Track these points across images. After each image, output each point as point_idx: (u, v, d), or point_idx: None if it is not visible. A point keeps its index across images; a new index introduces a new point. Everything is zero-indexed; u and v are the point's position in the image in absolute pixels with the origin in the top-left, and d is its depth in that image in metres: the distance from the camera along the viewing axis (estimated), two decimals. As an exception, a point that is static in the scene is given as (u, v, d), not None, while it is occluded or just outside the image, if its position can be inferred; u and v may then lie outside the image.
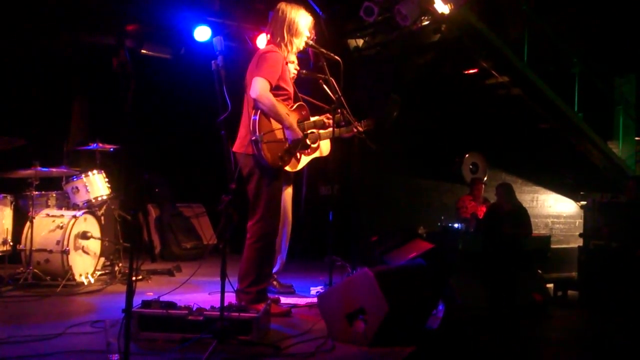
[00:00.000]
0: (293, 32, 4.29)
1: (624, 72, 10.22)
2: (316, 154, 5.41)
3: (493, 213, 7.15)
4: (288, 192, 5.32)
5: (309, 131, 4.58)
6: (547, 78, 8.36)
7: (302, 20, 4.33)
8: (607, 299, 5.82)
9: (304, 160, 5.30)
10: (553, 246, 6.85)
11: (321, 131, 5.40)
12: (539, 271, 5.90)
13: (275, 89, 4.20)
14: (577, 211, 10.08)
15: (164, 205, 8.10)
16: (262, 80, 4.07)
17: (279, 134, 4.20)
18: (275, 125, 4.18)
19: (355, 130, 5.25)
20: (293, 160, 5.20)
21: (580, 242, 7.35)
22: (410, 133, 8.91)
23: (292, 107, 4.39)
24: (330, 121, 4.69)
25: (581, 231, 7.62)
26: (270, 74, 4.11)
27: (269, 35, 4.38)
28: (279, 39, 4.30)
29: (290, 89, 4.36)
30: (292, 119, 4.31)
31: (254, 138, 4.04)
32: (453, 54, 8.09)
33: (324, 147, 5.50)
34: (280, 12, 4.31)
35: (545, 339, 4.67)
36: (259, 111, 4.07)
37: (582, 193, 7.26)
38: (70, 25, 7.20)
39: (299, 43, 4.36)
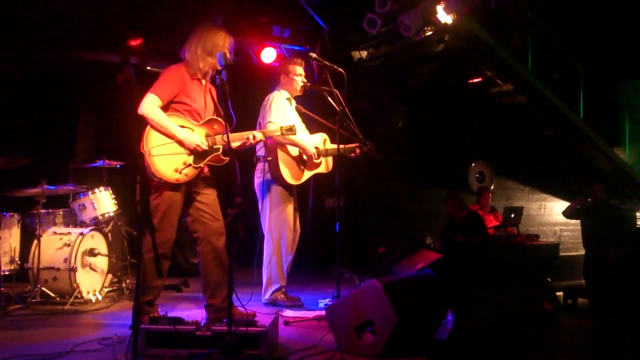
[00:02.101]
0: (207, 51, 4.27)
1: (628, 78, 10.20)
2: (319, 170, 5.42)
3: (448, 224, 7.18)
4: (291, 206, 5.32)
5: (230, 144, 4.45)
6: (552, 85, 8.35)
7: (219, 40, 4.31)
8: (615, 306, 5.78)
9: (307, 174, 5.30)
10: (562, 254, 6.82)
11: (328, 147, 5.42)
12: (549, 279, 5.86)
13: (174, 103, 4.22)
14: (585, 218, 10.02)
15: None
16: (151, 96, 4.12)
17: (176, 148, 4.15)
18: (172, 138, 4.16)
19: (358, 151, 5.25)
20: (296, 172, 5.22)
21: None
22: (416, 143, 8.90)
23: (200, 121, 4.31)
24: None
25: (590, 238, 7.58)
26: (160, 89, 4.15)
27: (186, 53, 4.37)
28: (191, 56, 4.30)
29: (197, 103, 4.30)
30: (199, 132, 4.25)
31: (141, 151, 4.04)
32: (457, 64, 8.09)
33: (326, 163, 5.51)
34: (198, 29, 4.36)
35: (555, 347, 4.63)
36: (149, 126, 4.11)
37: (589, 200, 7.23)
38: (76, 43, 7.24)
39: (213, 63, 4.28)
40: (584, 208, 7.05)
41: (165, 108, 4.19)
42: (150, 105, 4.10)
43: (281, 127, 4.78)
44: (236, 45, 7.73)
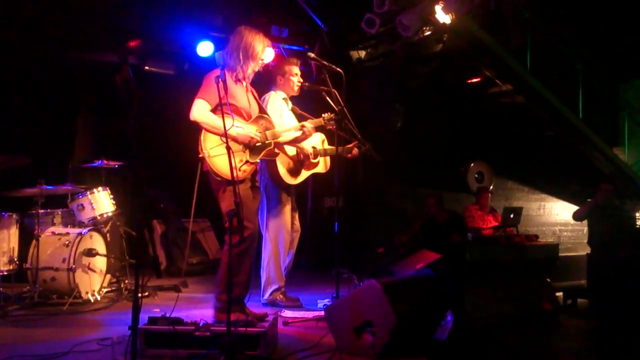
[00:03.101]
0: (249, 55, 4.41)
1: (627, 78, 10.20)
2: (317, 169, 5.41)
3: (431, 225, 7.19)
4: (289, 206, 5.31)
5: (280, 139, 4.62)
6: (551, 85, 8.35)
7: (259, 45, 4.45)
8: (617, 307, 5.77)
9: (304, 174, 5.30)
10: (561, 254, 6.81)
11: (326, 147, 5.41)
12: (548, 279, 5.85)
13: (223, 105, 4.22)
14: (584, 218, 10.01)
15: (169, 220, 8.08)
16: (198, 101, 4.22)
17: (232, 146, 4.18)
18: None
19: (356, 151, 5.26)
20: (293, 172, 5.22)
21: (588, 250, 7.30)
22: (415, 143, 8.90)
23: (248, 120, 4.43)
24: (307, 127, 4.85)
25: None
26: (207, 94, 4.23)
27: (227, 58, 4.46)
28: (233, 61, 4.41)
29: (241, 103, 4.41)
30: (249, 129, 4.34)
31: (200, 155, 4.16)
32: (456, 64, 8.09)
33: (325, 163, 5.50)
34: (238, 34, 4.45)
35: (555, 348, 4.62)
36: (202, 129, 4.19)
37: (589, 200, 7.23)
38: (74, 43, 7.24)
39: (254, 66, 4.48)
40: (592, 209, 7.06)
41: (214, 111, 4.26)
42: (200, 110, 4.19)
43: (323, 117, 4.98)
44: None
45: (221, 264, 4.32)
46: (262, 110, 4.60)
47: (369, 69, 8.14)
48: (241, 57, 4.41)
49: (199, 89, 4.30)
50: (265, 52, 4.52)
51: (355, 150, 5.26)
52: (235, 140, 4.23)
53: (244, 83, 4.52)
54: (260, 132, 4.40)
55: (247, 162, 4.30)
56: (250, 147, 4.32)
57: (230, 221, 3.53)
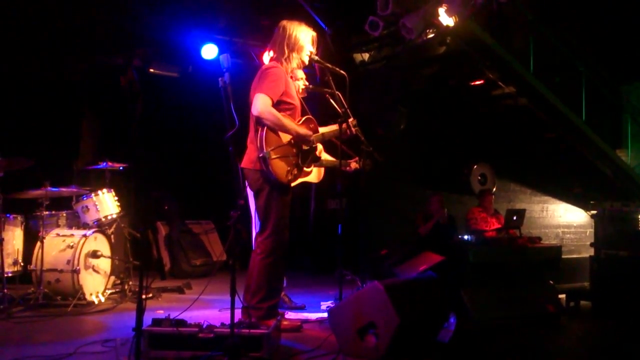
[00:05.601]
0: (293, 47, 4.33)
1: (630, 80, 10.19)
2: (308, 178, 5.29)
3: (437, 225, 7.27)
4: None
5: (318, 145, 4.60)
6: (554, 87, 8.34)
7: (303, 35, 4.37)
8: (620, 309, 5.77)
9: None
10: (564, 256, 6.81)
11: (323, 158, 5.37)
12: (551, 282, 5.86)
13: (280, 104, 4.23)
14: (587, 220, 10.01)
15: (173, 222, 8.11)
16: (263, 96, 4.10)
17: (287, 149, 4.21)
18: (284, 140, 4.20)
19: (355, 166, 5.18)
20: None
21: (591, 252, 7.30)
22: (418, 145, 8.91)
23: (299, 120, 4.40)
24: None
25: (592, 240, 7.58)
26: (270, 89, 4.14)
27: (271, 52, 4.42)
28: (279, 55, 4.35)
29: (296, 102, 4.38)
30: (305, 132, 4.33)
31: (261, 155, 4.05)
32: (459, 66, 8.10)
33: (318, 173, 5.44)
34: (281, 29, 4.37)
35: (558, 350, 4.63)
36: (265, 127, 4.09)
37: (592, 202, 7.22)
38: (79, 45, 7.27)
39: (302, 57, 4.40)
40: None
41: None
42: (265, 106, 4.08)
43: (350, 122, 4.90)
44: (238, 47, 7.83)
45: (255, 273, 4.22)
46: (304, 109, 4.53)
47: (372, 71, 8.15)
48: (285, 51, 4.31)
49: (260, 83, 4.17)
50: (310, 42, 4.41)
51: (354, 165, 5.17)
52: (301, 138, 4.21)
53: (298, 80, 4.51)
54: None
55: (297, 165, 4.26)
56: (302, 151, 4.29)
57: (234, 224, 3.51)
